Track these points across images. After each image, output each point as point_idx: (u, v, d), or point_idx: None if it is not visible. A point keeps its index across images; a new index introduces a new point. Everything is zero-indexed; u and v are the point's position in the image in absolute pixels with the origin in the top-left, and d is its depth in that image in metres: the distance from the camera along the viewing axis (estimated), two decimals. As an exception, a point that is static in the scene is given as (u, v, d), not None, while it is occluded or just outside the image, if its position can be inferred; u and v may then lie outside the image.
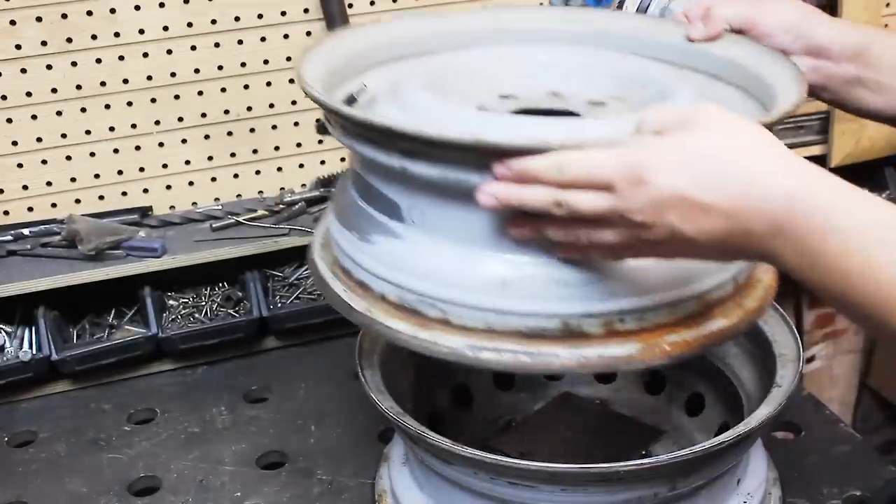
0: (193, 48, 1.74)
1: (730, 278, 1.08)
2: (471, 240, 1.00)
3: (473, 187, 0.92)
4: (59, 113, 1.71)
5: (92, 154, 1.76)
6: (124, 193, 1.80)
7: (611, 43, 1.31)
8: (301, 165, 1.88)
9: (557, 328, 0.99)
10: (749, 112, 1.14)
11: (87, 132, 1.74)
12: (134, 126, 1.76)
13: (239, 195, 1.87)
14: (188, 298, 1.77)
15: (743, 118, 0.90)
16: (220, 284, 1.80)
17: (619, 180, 0.85)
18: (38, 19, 1.64)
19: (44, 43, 1.66)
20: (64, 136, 1.73)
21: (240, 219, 1.76)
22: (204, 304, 1.76)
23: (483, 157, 0.91)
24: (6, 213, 1.76)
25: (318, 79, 1.11)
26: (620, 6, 1.45)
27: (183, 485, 1.43)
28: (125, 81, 1.73)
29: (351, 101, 1.19)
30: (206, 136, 1.81)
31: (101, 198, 1.79)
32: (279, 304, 1.76)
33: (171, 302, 1.76)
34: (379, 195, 1.06)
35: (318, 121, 1.16)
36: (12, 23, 1.63)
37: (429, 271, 1.02)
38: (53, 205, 1.77)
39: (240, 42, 1.77)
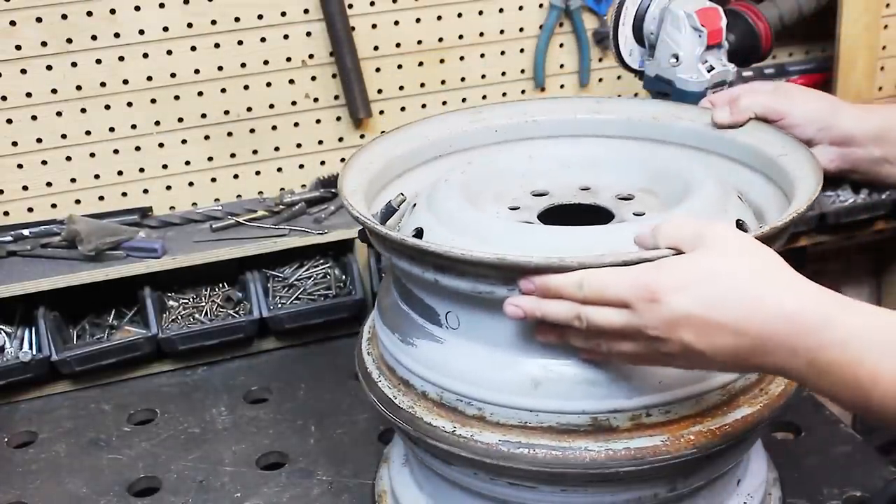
0: (193, 49, 1.74)
1: None
2: (503, 344, 1.06)
3: (501, 298, 0.99)
4: (59, 113, 1.72)
5: (92, 154, 1.76)
6: (124, 194, 1.80)
7: (638, 130, 1.37)
8: (301, 166, 1.89)
9: (587, 423, 1.05)
10: (768, 196, 1.21)
11: (87, 133, 1.75)
12: (134, 126, 1.77)
13: (239, 196, 1.87)
14: (188, 299, 1.77)
15: (751, 239, 0.94)
16: (220, 285, 1.80)
17: (634, 299, 0.90)
18: (38, 20, 1.65)
19: (44, 43, 1.66)
20: (64, 136, 1.73)
21: (240, 219, 1.76)
22: (204, 304, 1.76)
23: (508, 273, 0.98)
24: (6, 213, 1.76)
25: (358, 190, 1.18)
26: (621, 6, 1.46)
27: (183, 485, 1.43)
28: (125, 82, 1.73)
29: (390, 210, 1.25)
30: (206, 137, 1.81)
31: (101, 198, 1.79)
32: (279, 305, 1.76)
33: (171, 302, 1.76)
34: (418, 301, 1.14)
35: (360, 231, 1.24)
36: (12, 23, 1.64)
37: (466, 373, 1.09)
38: (53, 205, 1.77)
39: (240, 43, 1.77)
